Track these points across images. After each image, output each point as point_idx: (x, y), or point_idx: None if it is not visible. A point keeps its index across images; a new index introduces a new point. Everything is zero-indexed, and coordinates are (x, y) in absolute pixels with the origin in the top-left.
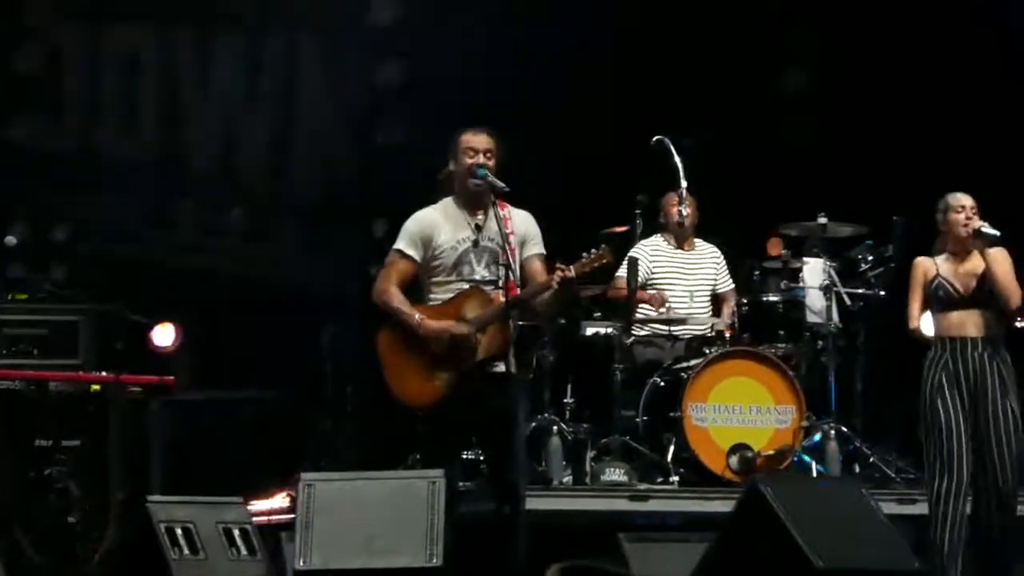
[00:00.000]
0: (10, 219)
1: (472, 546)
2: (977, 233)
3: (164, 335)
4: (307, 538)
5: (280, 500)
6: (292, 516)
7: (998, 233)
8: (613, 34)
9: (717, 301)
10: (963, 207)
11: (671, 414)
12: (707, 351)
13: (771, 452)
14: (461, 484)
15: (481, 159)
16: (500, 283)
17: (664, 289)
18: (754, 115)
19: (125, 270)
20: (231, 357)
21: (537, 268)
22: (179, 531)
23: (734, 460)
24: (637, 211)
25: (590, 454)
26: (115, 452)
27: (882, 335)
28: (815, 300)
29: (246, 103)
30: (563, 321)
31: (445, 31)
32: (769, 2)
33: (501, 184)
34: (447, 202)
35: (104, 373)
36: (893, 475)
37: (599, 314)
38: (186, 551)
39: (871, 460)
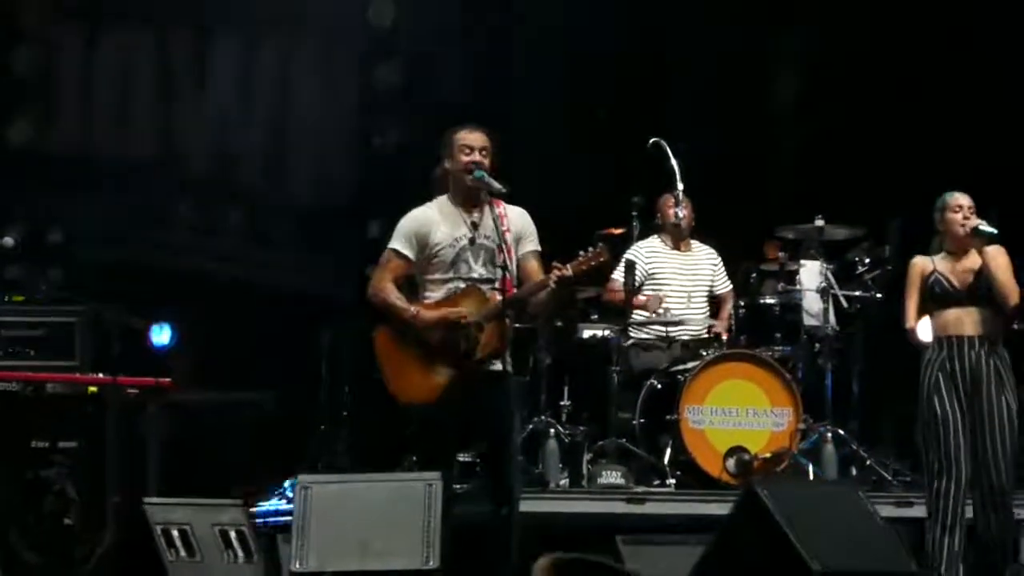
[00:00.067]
0: (7, 221)
1: (468, 548)
2: (975, 231)
3: (161, 335)
4: (303, 540)
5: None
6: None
7: (996, 231)
8: (611, 36)
9: (715, 302)
10: (961, 206)
11: (668, 417)
12: (704, 354)
13: (768, 455)
14: (457, 486)
15: (477, 156)
16: (497, 282)
17: (661, 290)
18: (751, 118)
19: (122, 272)
20: (228, 359)
21: (534, 266)
22: (175, 533)
23: (731, 463)
24: (633, 212)
25: (587, 456)
26: (112, 454)
27: (879, 338)
28: (812, 303)
29: (242, 105)
30: (560, 323)
31: (441, 33)
32: (764, 4)
33: (499, 186)
34: (442, 200)
35: (101, 375)
36: (890, 478)
37: (596, 316)
38: (182, 553)
39: (868, 463)
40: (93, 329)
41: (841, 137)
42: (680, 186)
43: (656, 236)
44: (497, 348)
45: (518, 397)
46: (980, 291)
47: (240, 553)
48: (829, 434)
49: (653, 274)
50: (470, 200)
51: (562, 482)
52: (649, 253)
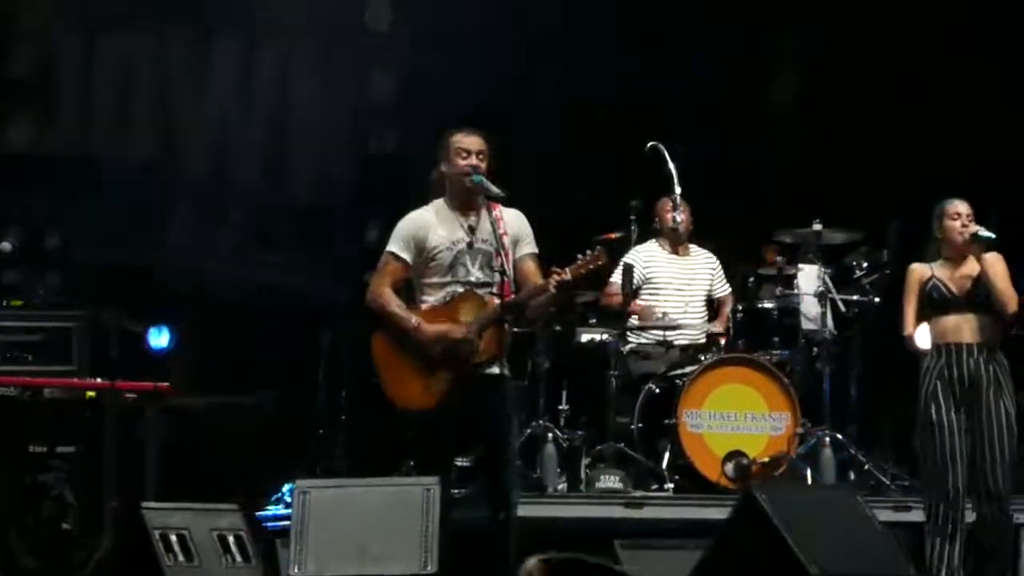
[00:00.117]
0: (4, 225)
1: (466, 553)
2: (975, 237)
3: (160, 338)
4: (302, 545)
5: None
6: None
7: (994, 235)
8: (610, 41)
9: (714, 305)
10: (959, 214)
11: (666, 421)
12: (702, 358)
13: (766, 459)
14: (455, 490)
15: (474, 160)
16: (495, 286)
17: (659, 295)
18: (749, 120)
19: (120, 276)
20: (226, 363)
21: (531, 268)
22: (174, 538)
23: (729, 467)
24: (632, 216)
25: (585, 461)
26: (110, 458)
27: (877, 342)
28: (810, 307)
29: (241, 109)
30: (558, 327)
31: (440, 39)
32: (761, 7)
33: (497, 190)
34: (439, 203)
35: (99, 379)
36: (888, 482)
37: (594, 320)
38: (180, 558)
39: (866, 467)
40: (91, 334)
41: (839, 141)
42: (678, 190)
43: (654, 240)
44: (495, 353)
45: (516, 401)
46: (978, 298)
47: (238, 558)
48: (827, 438)
49: (650, 279)
50: (467, 203)
51: (560, 486)
52: (647, 258)
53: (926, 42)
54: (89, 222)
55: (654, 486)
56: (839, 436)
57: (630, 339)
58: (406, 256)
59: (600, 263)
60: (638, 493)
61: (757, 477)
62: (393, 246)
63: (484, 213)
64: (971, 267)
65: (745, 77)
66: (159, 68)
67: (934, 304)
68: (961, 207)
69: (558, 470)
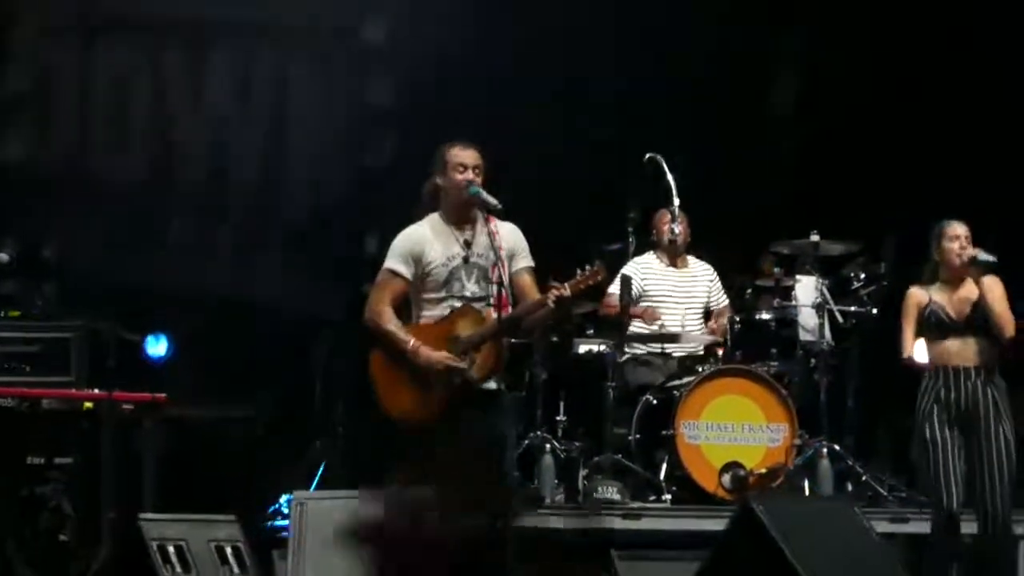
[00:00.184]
0: (2, 236)
1: (464, 563)
2: (973, 260)
3: (157, 346)
4: (299, 556)
5: None
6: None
7: (994, 258)
8: (609, 50)
9: (712, 316)
10: (957, 235)
11: (664, 432)
12: (700, 369)
13: (764, 470)
14: None
15: (470, 175)
16: (492, 299)
17: (656, 307)
18: (746, 133)
19: (117, 287)
20: (222, 374)
21: (527, 281)
22: (171, 549)
23: (727, 478)
24: (629, 228)
25: (583, 472)
26: (107, 469)
27: (875, 353)
28: (807, 318)
29: (237, 121)
30: (555, 339)
31: (437, 50)
32: (758, 18)
33: (494, 201)
34: (434, 218)
35: (96, 390)
36: (885, 493)
37: (591, 331)
38: (178, 569)
39: (863, 478)
40: (88, 345)
41: (836, 151)
42: (676, 202)
43: (652, 252)
44: (493, 368)
45: (515, 413)
46: (977, 322)
47: (236, 569)
48: (825, 449)
49: (648, 291)
50: (462, 217)
51: (558, 498)
52: (644, 270)
53: (926, 47)
54: (86, 234)
55: (652, 497)
56: (836, 447)
57: (627, 349)
58: (405, 272)
59: (599, 279)
60: (636, 504)
61: (754, 488)
62: (391, 263)
63: (480, 226)
64: (969, 289)
65: (745, 79)
66: (156, 79)
67: (932, 329)
68: (959, 229)
69: (556, 481)
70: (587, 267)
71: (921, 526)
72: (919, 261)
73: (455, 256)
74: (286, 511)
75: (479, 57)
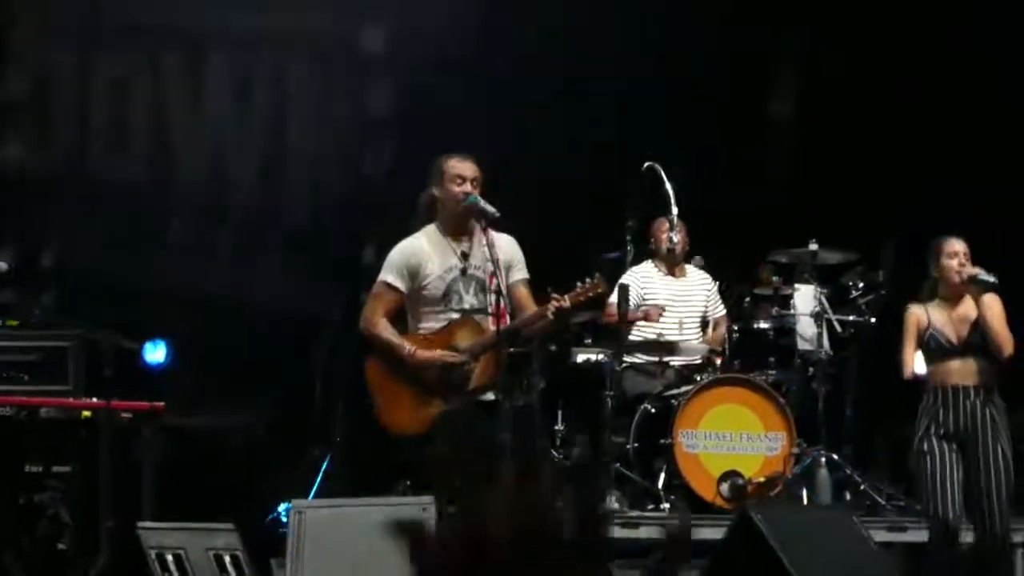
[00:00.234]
0: (0, 240)
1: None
2: (973, 280)
3: (156, 353)
4: (298, 564)
5: None
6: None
7: (994, 280)
8: (609, 50)
9: (711, 326)
10: (956, 253)
11: (662, 441)
12: (698, 378)
13: (762, 479)
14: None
15: (468, 187)
16: (490, 311)
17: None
18: (746, 133)
19: (116, 295)
20: (222, 375)
21: (523, 293)
22: (169, 557)
23: (725, 487)
24: (628, 237)
25: None
26: (106, 478)
27: (873, 362)
28: (806, 327)
29: (236, 126)
30: (554, 348)
31: (437, 51)
32: (758, 18)
33: (492, 210)
34: (430, 230)
35: (94, 399)
36: (883, 502)
37: (590, 340)
38: None
39: (862, 487)
40: (86, 353)
41: (836, 155)
42: (675, 211)
43: (650, 261)
44: (491, 379)
45: (529, 426)
46: (976, 342)
47: None
48: (823, 459)
49: (647, 300)
50: (460, 228)
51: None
52: (643, 279)
53: (926, 47)
54: (84, 241)
55: (650, 506)
56: (835, 456)
57: (626, 358)
58: (400, 286)
59: (599, 291)
60: (634, 513)
61: (753, 497)
62: (387, 275)
63: (477, 237)
64: (968, 308)
65: (745, 80)
66: (154, 85)
67: (932, 352)
68: (958, 245)
69: None
70: (587, 279)
71: (919, 535)
72: (918, 269)
73: (452, 268)
74: (285, 520)
75: (479, 58)
